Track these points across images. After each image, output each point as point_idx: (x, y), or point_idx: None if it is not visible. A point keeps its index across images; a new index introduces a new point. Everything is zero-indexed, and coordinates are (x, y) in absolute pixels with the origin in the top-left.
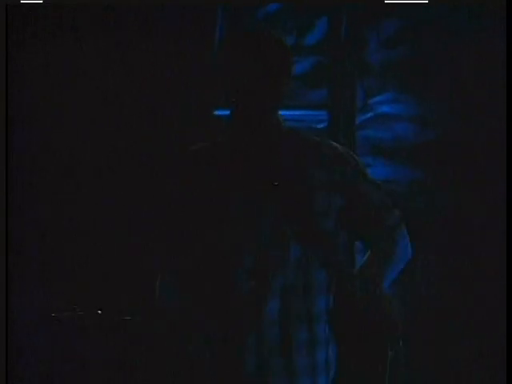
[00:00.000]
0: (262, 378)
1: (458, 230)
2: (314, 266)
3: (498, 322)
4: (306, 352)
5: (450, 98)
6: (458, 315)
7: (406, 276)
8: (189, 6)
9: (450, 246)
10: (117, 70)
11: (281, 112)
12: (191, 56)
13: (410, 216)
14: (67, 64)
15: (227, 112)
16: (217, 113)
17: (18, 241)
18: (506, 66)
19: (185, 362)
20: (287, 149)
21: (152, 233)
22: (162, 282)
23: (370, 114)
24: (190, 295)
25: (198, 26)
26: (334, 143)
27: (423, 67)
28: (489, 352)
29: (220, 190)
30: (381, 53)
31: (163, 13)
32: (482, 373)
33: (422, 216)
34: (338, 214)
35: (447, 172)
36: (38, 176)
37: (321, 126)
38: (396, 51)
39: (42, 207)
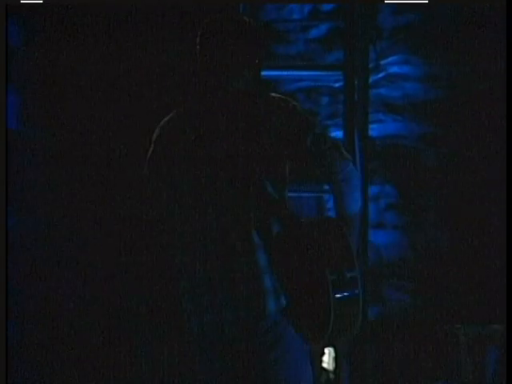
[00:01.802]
0: None
1: (463, 180)
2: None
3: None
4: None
5: (455, 59)
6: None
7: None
8: (189, 7)
9: (456, 197)
10: (116, 69)
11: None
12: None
13: (418, 168)
14: (67, 63)
15: None
16: None
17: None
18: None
19: None
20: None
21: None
22: None
23: (381, 74)
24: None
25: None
26: (286, 100)
27: (431, 31)
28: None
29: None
30: (392, 18)
31: (162, 12)
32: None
33: (430, 168)
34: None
35: (453, 127)
36: (38, 174)
37: (337, 85)
38: (406, 17)
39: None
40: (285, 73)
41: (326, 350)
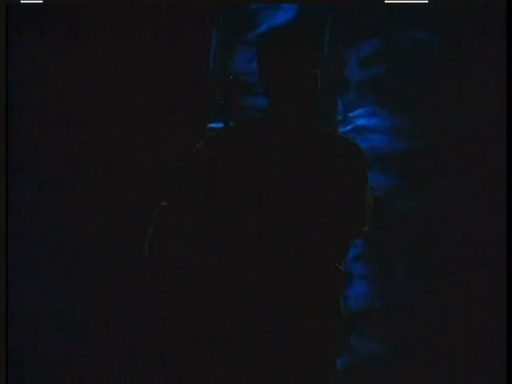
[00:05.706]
0: None
1: (430, 231)
2: None
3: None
4: None
5: (421, 112)
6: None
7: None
8: (188, 8)
9: (425, 247)
10: (116, 70)
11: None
12: (190, 60)
13: (385, 219)
14: (67, 63)
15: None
16: (210, 126)
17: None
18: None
19: None
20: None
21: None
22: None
23: (349, 126)
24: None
25: (196, 29)
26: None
27: (397, 85)
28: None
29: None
30: (359, 71)
31: (163, 13)
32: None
33: (397, 219)
34: None
35: (419, 178)
36: (38, 176)
37: None
38: (372, 70)
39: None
40: None
41: None
